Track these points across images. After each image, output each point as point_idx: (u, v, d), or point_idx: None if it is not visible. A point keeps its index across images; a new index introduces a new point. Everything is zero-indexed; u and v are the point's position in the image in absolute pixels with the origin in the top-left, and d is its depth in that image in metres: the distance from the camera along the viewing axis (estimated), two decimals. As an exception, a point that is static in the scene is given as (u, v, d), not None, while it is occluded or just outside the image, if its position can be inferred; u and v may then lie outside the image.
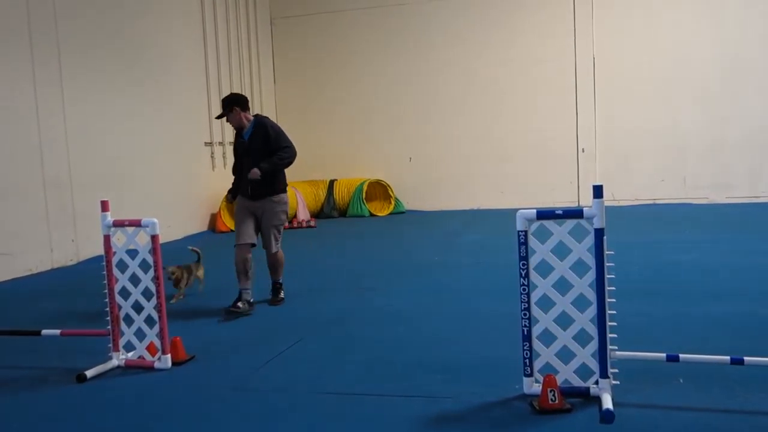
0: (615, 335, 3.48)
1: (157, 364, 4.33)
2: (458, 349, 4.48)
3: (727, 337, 4.45)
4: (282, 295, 6.24)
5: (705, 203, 12.46)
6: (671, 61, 12.63)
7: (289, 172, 15.82)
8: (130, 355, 4.45)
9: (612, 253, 3.50)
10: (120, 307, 4.41)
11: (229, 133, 12.79)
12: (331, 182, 13.63)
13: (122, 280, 4.41)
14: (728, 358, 3.44)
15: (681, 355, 3.48)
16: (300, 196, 12.86)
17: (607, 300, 3.45)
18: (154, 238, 4.29)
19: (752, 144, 12.38)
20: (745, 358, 3.41)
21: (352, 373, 4.11)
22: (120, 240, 4.45)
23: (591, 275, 3.48)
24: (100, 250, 4.56)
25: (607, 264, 3.45)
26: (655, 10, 12.68)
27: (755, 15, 12.23)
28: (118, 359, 4.41)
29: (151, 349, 4.39)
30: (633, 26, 12.79)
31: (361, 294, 6.38)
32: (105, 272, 4.41)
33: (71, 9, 9.01)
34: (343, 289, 6.68)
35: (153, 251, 4.30)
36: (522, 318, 3.55)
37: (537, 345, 3.57)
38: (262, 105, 14.10)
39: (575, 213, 3.50)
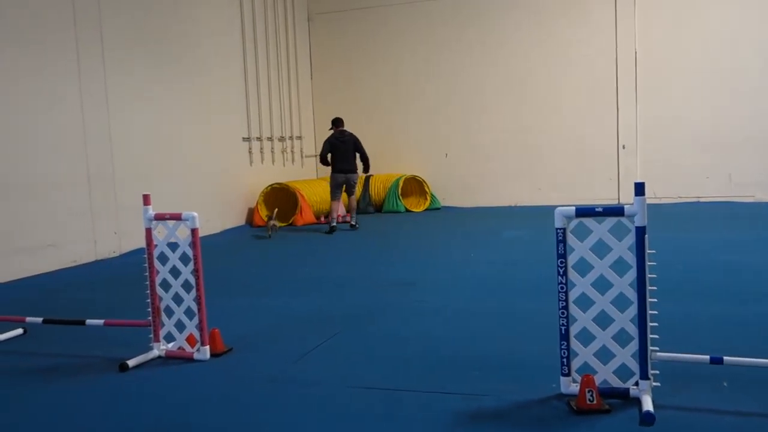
0: (656, 336, 3.42)
1: (196, 355, 4.40)
2: (495, 346, 4.45)
3: (771, 340, 4.33)
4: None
5: (751, 201, 12.14)
6: (716, 54, 12.31)
7: (326, 168, 15.90)
8: (170, 345, 4.54)
9: (654, 251, 3.43)
10: (161, 299, 4.49)
11: (267, 129, 12.92)
12: (367, 178, 13.65)
13: (163, 273, 4.49)
14: (775, 361, 3.35)
15: (725, 358, 3.40)
16: (337, 191, 12.89)
17: (649, 299, 3.39)
18: (193, 231, 4.35)
19: (801, 141, 12.01)
20: (793, 362, 3.32)
21: (388, 368, 4.11)
22: (161, 233, 4.53)
23: (632, 274, 3.42)
24: (141, 243, 4.65)
25: (649, 263, 3.39)
26: (700, 2, 12.37)
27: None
28: (158, 350, 4.49)
29: (190, 340, 4.46)
30: (676, 20, 12.50)
31: (397, 289, 6.38)
32: (146, 264, 4.49)
33: (115, 5, 9.18)
34: (378, 284, 6.69)
35: (193, 244, 4.36)
36: (560, 316, 3.51)
37: (575, 344, 3.53)
38: (299, 100, 14.20)
39: (616, 210, 3.44)
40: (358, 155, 11.14)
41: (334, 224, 10.86)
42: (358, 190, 13.58)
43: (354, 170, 11.04)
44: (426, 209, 13.41)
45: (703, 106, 12.43)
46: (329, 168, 11.32)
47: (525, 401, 3.50)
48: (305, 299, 6.14)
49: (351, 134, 11.09)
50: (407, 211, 13.27)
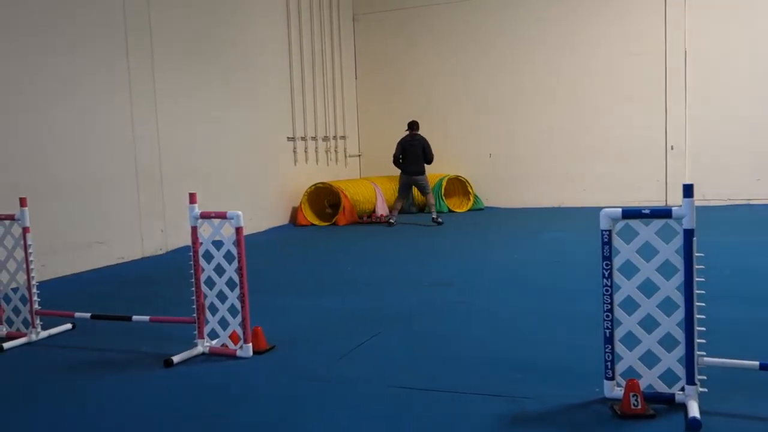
0: (703, 340, 3.34)
1: (239, 353, 4.47)
2: (538, 349, 4.41)
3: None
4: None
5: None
6: (767, 53, 11.95)
7: (369, 167, 15.92)
8: (214, 342, 4.61)
9: (702, 255, 3.35)
10: (205, 296, 4.57)
11: (311, 129, 13.02)
12: (410, 178, 13.64)
13: (208, 270, 4.57)
14: (829, 369, 3.23)
15: (776, 365, 3.30)
16: (379, 190, 12.94)
17: (696, 304, 3.31)
18: (238, 230, 4.42)
19: None
20: None
21: (429, 369, 4.11)
22: (206, 231, 4.61)
23: (679, 278, 3.34)
24: (187, 241, 4.75)
25: (697, 266, 3.31)
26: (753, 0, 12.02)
27: None
28: (202, 346, 4.57)
29: (233, 337, 4.53)
30: (727, 18, 12.16)
31: (440, 289, 6.36)
32: (191, 262, 4.58)
33: (164, 7, 9.38)
34: (422, 283, 6.68)
35: (237, 243, 4.43)
36: (604, 320, 3.46)
37: (619, 348, 3.47)
38: (344, 100, 14.28)
39: (663, 213, 3.37)
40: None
41: (392, 220, 11.52)
42: (393, 188, 13.59)
43: (420, 173, 11.45)
44: (469, 209, 13.34)
45: (753, 106, 12.07)
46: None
47: (568, 405, 3.46)
48: (347, 298, 6.17)
49: (421, 138, 11.45)
50: (450, 211, 13.22)
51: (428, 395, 3.69)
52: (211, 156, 10.29)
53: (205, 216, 4.57)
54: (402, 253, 8.87)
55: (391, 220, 11.51)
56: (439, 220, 11.35)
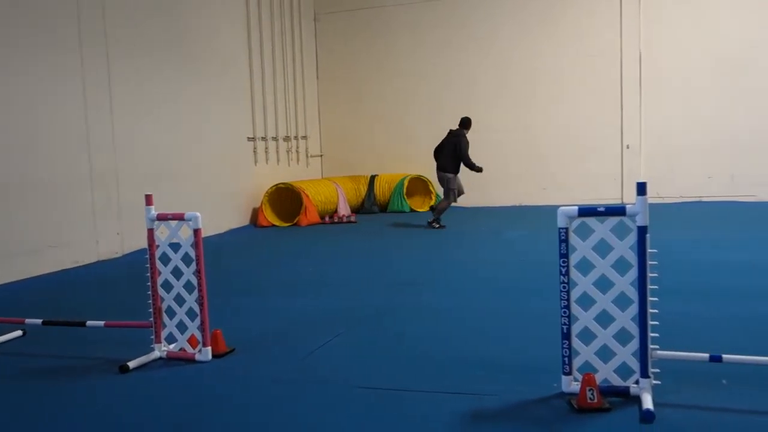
0: (657, 334, 3.41)
1: (197, 356, 4.40)
2: (499, 346, 4.45)
3: (773, 339, 4.32)
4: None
5: (753, 201, 12.09)
6: (720, 55, 12.28)
7: (331, 168, 15.86)
8: (171, 347, 4.54)
9: (655, 251, 3.43)
10: (162, 300, 4.50)
11: (272, 129, 12.92)
12: (372, 177, 13.67)
13: (165, 273, 4.50)
14: (776, 360, 3.34)
15: (725, 356, 3.40)
16: (341, 191, 12.92)
17: (649, 299, 3.38)
18: (196, 231, 4.35)
19: (806, 140, 11.98)
20: (794, 361, 3.31)
21: (392, 368, 4.11)
22: (163, 233, 4.53)
23: (633, 273, 3.42)
24: (144, 243, 4.65)
25: (650, 262, 3.38)
26: (704, 4, 12.34)
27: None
28: (160, 351, 4.50)
29: (192, 341, 4.46)
30: (680, 21, 12.48)
31: (402, 289, 6.38)
32: (148, 265, 4.50)
33: (119, 6, 9.20)
34: (384, 284, 6.69)
35: (195, 245, 4.36)
36: (561, 316, 3.51)
37: (576, 343, 3.53)
38: (305, 100, 14.21)
39: (618, 210, 3.44)
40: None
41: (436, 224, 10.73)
42: (363, 190, 13.59)
43: (445, 170, 10.76)
44: (430, 209, 13.38)
45: (706, 107, 12.41)
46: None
47: (527, 400, 3.50)
48: (309, 299, 6.14)
49: (457, 136, 10.77)
50: (412, 210, 13.26)
51: (390, 394, 3.69)
52: (169, 156, 10.13)
53: (162, 218, 4.50)
54: (365, 254, 8.87)
55: (435, 225, 10.67)
56: (435, 224, 10.66)
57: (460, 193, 10.88)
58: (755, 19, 12.11)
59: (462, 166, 10.61)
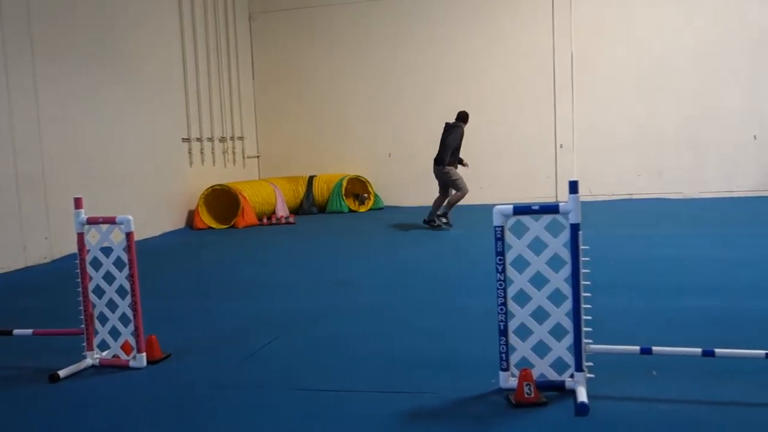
0: (590, 329, 3.51)
1: (131, 363, 4.28)
2: (438, 344, 4.49)
3: (700, 330, 4.50)
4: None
5: (680, 198, 12.61)
6: (648, 57, 12.76)
7: (268, 168, 15.68)
8: (104, 354, 4.40)
9: (587, 248, 3.53)
10: (94, 306, 4.36)
11: (207, 129, 12.69)
12: (311, 178, 13.59)
13: (96, 279, 4.36)
14: (700, 350, 3.48)
15: (654, 348, 3.52)
16: (279, 192, 12.80)
17: (583, 294, 3.48)
18: (128, 235, 4.23)
19: (726, 140, 12.56)
20: (716, 350, 3.46)
21: (331, 370, 4.10)
22: (94, 238, 4.39)
23: (567, 270, 3.50)
24: (74, 248, 4.50)
25: (583, 259, 3.48)
26: (634, 7, 12.78)
27: (733, 13, 12.39)
28: (92, 358, 4.35)
29: (126, 347, 4.34)
30: (611, 22, 12.89)
31: (341, 290, 6.36)
32: (78, 270, 4.35)
33: (44, 4, 8.86)
34: (322, 285, 6.66)
35: (128, 249, 4.24)
36: (498, 313, 3.57)
37: (513, 339, 3.59)
38: (240, 100, 14.01)
39: (551, 208, 3.52)
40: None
41: (435, 220, 10.19)
42: (301, 191, 13.49)
43: (438, 162, 10.26)
44: (369, 209, 13.43)
45: (634, 107, 12.87)
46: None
47: (465, 397, 3.54)
48: (246, 302, 6.06)
49: (452, 128, 10.27)
50: (351, 211, 13.26)
51: (329, 396, 3.68)
52: (99, 159, 9.81)
53: (92, 221, 4.35)
54: (303, 255, 8.80)
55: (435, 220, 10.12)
56: (441, 221, 10.09)
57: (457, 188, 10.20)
58: (675, 23, 12.63)
59: (457, 161, 10.28)
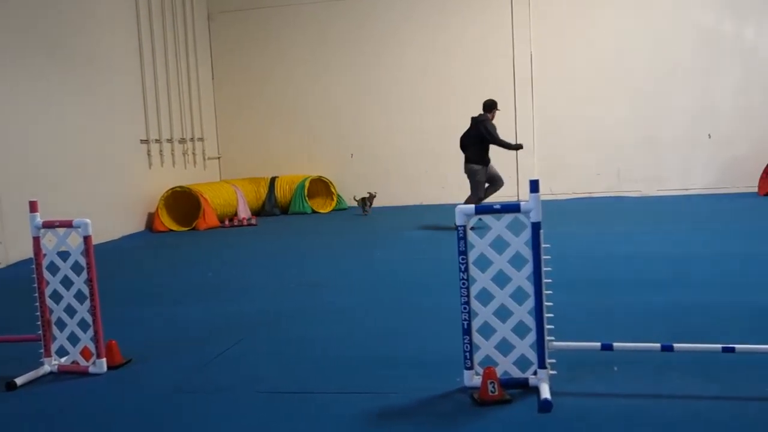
0: (552, 326, 3.56)
1: (91, 369, 4.19)
2: (403, 344, 4.50)
3: (659, 325, 4.60)
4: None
5: (638, 196, 12.88)
6: (605, 59, 13.00)
7: (230, 170, 15.52)
8: (63, 360, 4.30)
9: (549, 246, 3.57)
10: (51, 311, 4.26)
11: (166, 131, 12.51)
12: (273, 179, 13.51)
13: (53, 283, 4.26)
14: (659, 345, 3.55)
15: (615, 344, 3.58)
16: (240, 193, 12.69)
17: (545, 292, 3.52)
18: (86, 239, 4.15)
19: (682, 139, 12.87)
20: (675, 345, 3.53)
21: (296, 372, 4.07)
22: (51, 242, 4.29)
23: (528, 268, 3.54)
24: (29, 253, 4.39)
25: (544, 257, 3.52)
26: (591, 10, 13.00)
27: (686, 17, 12.70)
28: (50, 365, 4.25)
29: (85, 353, 4.25)
30: (569, 24, 13.10)
31: (305, 291, 6.33)
32: (35, 275, 4.25)
33: (-5, 1, 8.65)
34: (285, 286, 6.62)
35: (86, 252, 4.16)
36: (462, 312, 3.59)
37: (477, 338, 3.62)
38: (200, 100, 13.84)
39: (512, 207, 3.56)
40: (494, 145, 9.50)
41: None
42: (263, 192, 13.39)
43: (467, 160, 9.47)
44: (332, 210, 13.40)
45: (593, 107, 13.09)
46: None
47: (430, 396, 3.56)
48: (208, 305, 5.99)
49: (480, 122, 9.49)
50: (314, 212, 13.21)
51: (294, 398, 3.66)
52: (55, 161, 9.60)
53: (48, 225, 4.25)
54: (266, 257, 8.74)
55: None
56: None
57: (496, 184, 9.58)
58: (629, 25, 12.90)
59: (491, 157, 9.52)
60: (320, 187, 13.74)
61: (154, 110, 12.17)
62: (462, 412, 3.35)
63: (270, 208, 13.26)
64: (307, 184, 13.26)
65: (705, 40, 12.67)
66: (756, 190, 12.26)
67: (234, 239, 10.37)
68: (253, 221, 12.19)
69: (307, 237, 10.31)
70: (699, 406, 3.26)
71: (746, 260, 6.59)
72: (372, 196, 12.38)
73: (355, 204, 12.70)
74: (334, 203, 13.49)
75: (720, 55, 12.66)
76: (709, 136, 12.80)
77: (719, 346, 3.52)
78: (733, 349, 3.48)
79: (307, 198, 13.21)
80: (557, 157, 13.22)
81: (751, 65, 12.59)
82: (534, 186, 3.51)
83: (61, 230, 4.26)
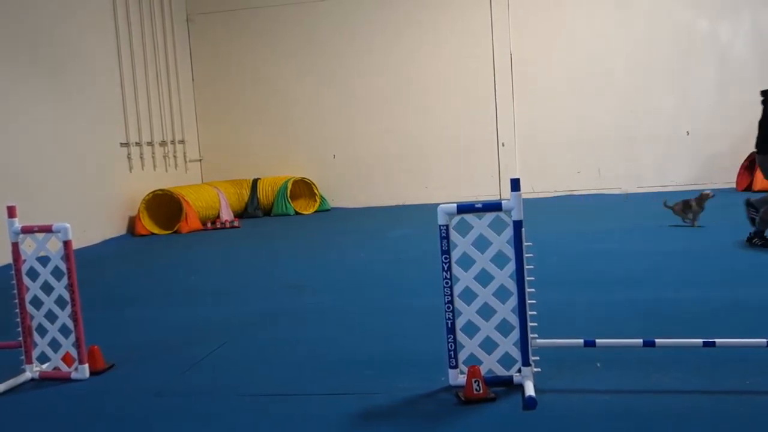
0: (535, 324, 3.58)
1: (73, 375, 4.15)
2: (388, 345, 4.50)
3: (640, 321, 4.64)
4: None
5: (617, 193, 12.99)
6: (584, 57, 13.08)
7: (211, 172, 15.40)
8: (44, 366, 4.25)
9: (531, 244, 3.59)
10: (32, 318, 4.21)
11: (146, 133, 12.42)
12: (255, 181, 13.46)
13: (33, 289, 4.21)
14: (641, 340, 3.59)
15: (597, 340, 3.62)
16: (223, 195, 12.63)
17: (527, 290, 3.54)
18: (66, 243, 4.11)
19: (660, 136, 12.99)
20: (656, 340, 3.57)
21: (280, 374, 4.06)
22: (30, 247, 4.24)
23: (511, 266, 3.56)
24: (8, 259, 4.34)
25: (526, 255, 3.54)
26: (570, 9, 13.09)
27: (663, 14, 12.82)
28: (31, 372, 4.20)
29: (67, 359, 4.20)
30: (548, 23, 13.17)
31: (287, 293, 6.32)
32: (14, 281, 4.20)
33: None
34: (268, 288, 6.59)
35: (66, 257, 4.12)
36: (446, 311, 3.60)
37: (461, 337, 3.63)
38: (181, 103, 13.75)
39: (494, 206, 3.58)
40: None
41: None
42: (246, 194, 13.33)
43: (760, 150, 7.10)
44: (315, 211, 13.38)
45: (573, 105, 13.18)
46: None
47: (416, 396, 3.57)
48: (192, 309, 5.96)
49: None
50: (297, 213, 13.18)
51: (279, 400, 3.65)
52: (33, 165, 9.48)
53: (27, 230, 4.21)
54: (249, 259, 8.70)
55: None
56: (758, 242, 6.89)
57: None
58: (608, 24, 13.00)
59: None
60: (303, 188, 13.71)
61: (134, 113, 12.07)
62: (447, 411, 3.36)
63: (253, 210, 13.21)
64: (289, 185, 13.23)
65: (682, 39, 12.81)
66: (734, 185, 12.41)
67: (217, 242, 10.32)
68: (236, 223, 12.13)
69: (290, 239, 10.28)
70: (681, 401, 3.30)
71: (724, 255, 6.67)
72: (705, 198, 8.48)
73: (672, 211, 8.80)
74: (317, 204, 13.46)
75: (697, 54, 12.80)
76: (688, 133, 12.94)
77: (700, 340, 3.56)
78: (713, 344, 3.52)
79: (289, 199, 13.17)
80: (539, 156, 13.29)
81: (727, 63, 12.75)
82: (515, 184, 3.53)
83: (41, 235, 4.21)
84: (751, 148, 7.69)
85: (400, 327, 4.93)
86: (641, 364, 3.74)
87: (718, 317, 4.65)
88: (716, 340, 3.55)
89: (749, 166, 12.03)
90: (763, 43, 12.63)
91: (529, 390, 3.40)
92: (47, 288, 4.17)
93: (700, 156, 12.94)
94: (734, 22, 12.70)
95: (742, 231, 7.30)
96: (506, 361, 3.61)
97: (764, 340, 3.49)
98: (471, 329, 3.63)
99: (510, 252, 3.55)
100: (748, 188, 11.89)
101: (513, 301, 3.57)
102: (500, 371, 3.62)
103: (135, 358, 4.54)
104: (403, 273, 6.97)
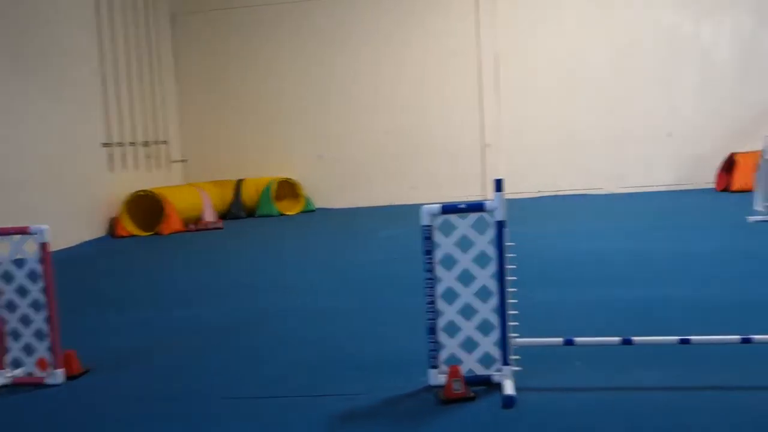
0: (516, 323, 3.57)
1: (47, 380, 4.08)
2: (371, 345, 4.48)
3: (620, 320, 4.65)
4: None
5: (602, 193, 13.05)
6: (569, 58, 13.15)
7: (195, 173, 15.34)
8: (17, 372, 4.18)
9: (513, 244, 3.58)
10: (5, 322, 4.14)
11: (129, 134, 12.31)
12: (239, 182, 13.38)
13: (8, 293, 4.14)
14: (619, 339, 3.60)
15: (576, 339, 3.62)
16: (206, 196, 12.54)
17: (509, 290, 3.53)
18: (43, 246, 4.04)
19: (644, 136, 13.08)
20: (633, 338, 3.59)
21: (263, 376, 4.02)
22: (5, 249, 4.17)
23: (493, 266, 3.55)
24: (-18, 261, 4.26)
25: (508, 255, 3.53)
26: (555, 11, 13.15)
27: (647, 16, 12.92)
28: (3, 377, 4.12)
29: (41, 364, 4.13)
30: (534, 23, 13.23)
31: (271, 295, 6.27)
32: (-12, 284, 4.13)
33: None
34: (252, 290, 6.54)
35: (43, 260, 4.05)
36: (427, 311, 3.58)
37: (442, 337, 3.61)
38: (164, 103, 13.65)
39: (477, 206, 3.56)
40: None
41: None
42: (229, 195, 13.26)
43: None
44: (300, 212, 13.32)
45: (557, 106, 13.24)
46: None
47: (397, 396, 3.55)
48: (173, 311, 5.90)
49: None
50: (281, 214, 13.12)
51: (261, 402, 3.61)
52: (12, 165, 9.35)
53: (3, 232, 4.14)
54: (232, 260, 8.64)
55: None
56: None
57: None
58: (593, 25, 13.08)
59: None
60: (287, 188, 13.65)
61: (115, 113, 11.96)
62: (427, 410, 3.34)
63: (236, 211, 13.13)
64: (274, 186, 13.16)
65: (665, 41, 12.90)
66: (714, 185, 12.52)
67: (199, 243, 10.24)
68: (219, 225, 12.05)
69: (274, 239, 10.23)
70: (658, 397, 3.31)
71: (702, 255, 6.72)
72: None
73: None
74: (301, 205, 13.41)
75: (680, 55, 12.90)
76: (670, 134, 13.02)
77: (676, 338, 3.57)
78: (689, 341, 3.54)
79: (274, 200, 13.11)
80: (523, 156, 13.32)
81: (709, 64, 12.85)
82: (498, 185, 3.52)
83: (17, 237, 4.14)
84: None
85: (384, 327, 4.91)
86: (620, 361, 3.75)
87: (695, 315, 4.68)
88: (691, 337, 3.56)
89: (727, 167, 12.14)
90: (744, 46, 12.76)
91: (509, 389, 3.39)
92: (22, 291, 4.10)
93: (681, 157, 13.03)
94: (716, 25, 12.82)
95: (730, 231, 7.34)
96: (486, 360, 3.60)
97: (738, 336, 3.53)
98: (452, 329, 3.61)
99: (492, 252, 3.53)
100: (726, 188, 12.00)
101: (494, 300, 3.56)
102: (480, 370, 3.60)
103: (114, 362, 4.47)
104: (386, 273, 6.94)
